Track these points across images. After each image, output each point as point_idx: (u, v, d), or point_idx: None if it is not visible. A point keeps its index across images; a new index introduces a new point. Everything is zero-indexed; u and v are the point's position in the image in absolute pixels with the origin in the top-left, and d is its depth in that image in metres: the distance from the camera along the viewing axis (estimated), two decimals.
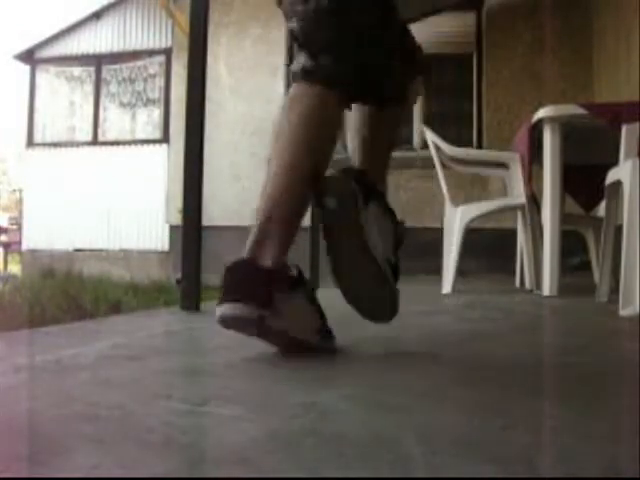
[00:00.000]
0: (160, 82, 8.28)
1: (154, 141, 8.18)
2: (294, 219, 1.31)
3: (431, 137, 3.44)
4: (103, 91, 8.56)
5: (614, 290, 2.30)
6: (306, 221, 4.02)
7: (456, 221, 3.18)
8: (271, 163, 1.40)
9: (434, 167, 3.46)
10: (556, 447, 0.64)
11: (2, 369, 1.00)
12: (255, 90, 6.74)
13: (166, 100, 7.94)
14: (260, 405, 0.80)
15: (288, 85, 7.07)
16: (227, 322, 1.12)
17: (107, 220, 8.13)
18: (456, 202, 3.37)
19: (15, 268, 11.58)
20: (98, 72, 8.55)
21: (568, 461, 0.59)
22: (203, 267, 2.02)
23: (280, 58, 6.51)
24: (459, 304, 2.58)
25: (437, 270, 3.47)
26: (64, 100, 8.73)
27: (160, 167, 7.83)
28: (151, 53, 8.35)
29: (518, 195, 3.25)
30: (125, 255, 7.96)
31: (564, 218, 2.91)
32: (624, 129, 2.34)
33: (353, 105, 1.48)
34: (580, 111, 2.75)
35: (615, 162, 2.33)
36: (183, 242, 1.99)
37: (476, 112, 6.50)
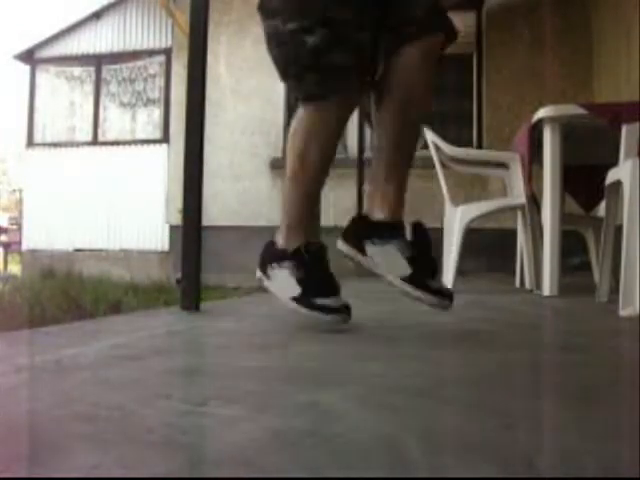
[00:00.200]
0: (160, 82, 8.28)
1: (154, 141, 8.18)
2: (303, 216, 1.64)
3: (431, 137, 3.44)
4: (103, 91, 8.56)
5: (614, 290, 2.30)
6: None
7: (456, 221, 3.18)
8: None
9: (434, 167, 3.47)
10: (556, 447, 0.64)
11: (2, 369, 1.00)
12: (255, 90, 6.74)
13: (166, 100, 7.94)
14: (260, 405, 0.80)
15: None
16: None
17: (107, 220, 8.13)
18: (456, 202, 3.37)
19: (15, 268, 11.58)
20: (98, 72, 8.55)
21: (568, 461, 0.59)
22: (203, 267, 2.02)
23: None
24: (459, 304, 2.58)
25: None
26: (64, 100, 8.73)
27: (160, 167, 7.83)
28: (151, 53, 8.35)
29: (518, 195, 3.25)
30: (125, 255, 7.96)
31: (564, 218, 2.91)
32: (624, 129, 2.34)
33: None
34: (580, 111, 2.75)
35: (615, 162, 2.33)
36: (183, 242, 1.99)
37: (476, 112, 6.50)
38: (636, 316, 1.92)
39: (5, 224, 14.70)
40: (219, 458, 0.59)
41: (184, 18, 6.32)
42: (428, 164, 3.62)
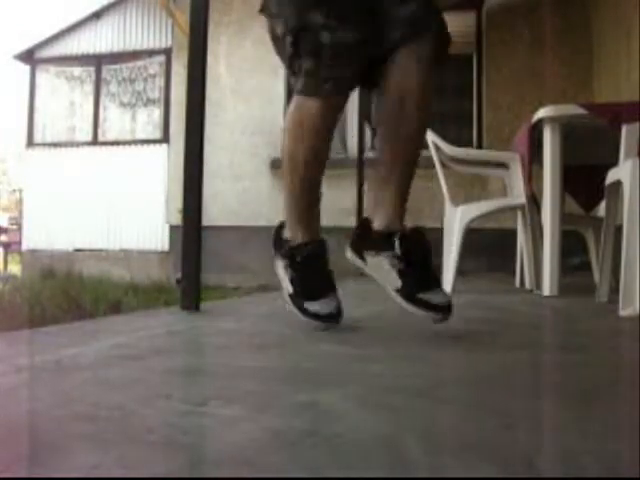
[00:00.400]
0: (160, 82, 8.28)
1: (154, 141, 8.18)
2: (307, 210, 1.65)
3: (431, 137, 3.44)
4: (103, 91, 8.56)
5: (614, 290, 2.30)
6: None
7: (456, 221, 3.18)
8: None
9: (434, 167, 3.46)
10: (556, 447, 0.64)
11: (2, 369, 1.00)
12: (255, 90, 6.74)
13: (166, 100, 7.94)
14: (260, 405, 0.80)
15: (289, 83, 7.07)
16: None
17: (107, 220, 8.13)
18: (456, 202, 3.36)
19: (15, 268, 11.58)
20: (98, 72, 8.55)
21: (568, 461, 0.59)
22: (203, 267, 2.02)
23: None
24: (459, 304, 2.57)
25: (437, 270, 3.47)
26: (64, 100, 8.73)
27: (160, 167, 7.83)
28: (151, 53, 8.35)
29: (518, 195, 3.25)
30: (125, 255, 7.96)
31: (564, 218, 2.91)
32: (624, 129, 2.34)
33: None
34: (580, 111, 2.75)
35: (615, 162, 2.33)
36: (183, 242, 1.99)
37: (476, 112, 6.50)
38: (636, 316, 1.92)
39: (5, 224, 14.70)
40: (219, 458, 0.59)
41: (184, 18, 6.31)
42: (428, 164, 3.61)
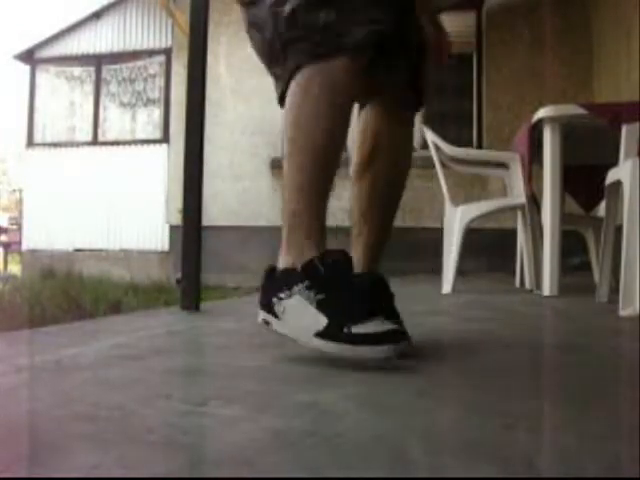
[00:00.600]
0: (160, 82, 8.28)
1: (154, 141, 8.18)
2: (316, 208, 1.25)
3: (431, 137, 3.44)
4: (103, 91, 8.56)
5: (614, 290, 2.30)
6: None
7: (456, 221, 3.18)
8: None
9: (434, 167, 3.47)
10: (556, 447, 0.64)
11: (2, 369, 1.00)
12: (255, 90, 6.74)
13: (166, 100, 7.94)
14: (260, 405, 0.80)
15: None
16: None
17: (107, 220, 8.13)
18: (456, 202, 3.37)
19: (15, 268, 11.58)
20: (98, 72, 8.55)
21: (568, 461, 0.59)
22: (203, 267, 2.02)
23: None
24: (459, 304, 2.58)
25: (437, 270, 3.48)
26: (64, 100, 8.73)
27: (160, 167, 7.83)
28: (151, 53, 8.35)
29: (518, 195, 3.25)
30: (125, 255, 7.96)
31: (564, 218, 2.91)
32: (624, 129, 2.34)
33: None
34: (580, 111, 2.75)
35: (615, 162, 2.33)
36: (183, 242, 1.99)
37: (476, 112, 6.50)
38: (636, 316, 1.92)
39: (5, 224, 14.70)
40: (219, 458, 0.59)
41: (184, 18, 6.32)
42: (428, 164, 3.62)
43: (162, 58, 8.21)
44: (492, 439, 0.66)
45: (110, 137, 8.50)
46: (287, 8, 1.24)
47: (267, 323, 1.18)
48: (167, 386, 0.93)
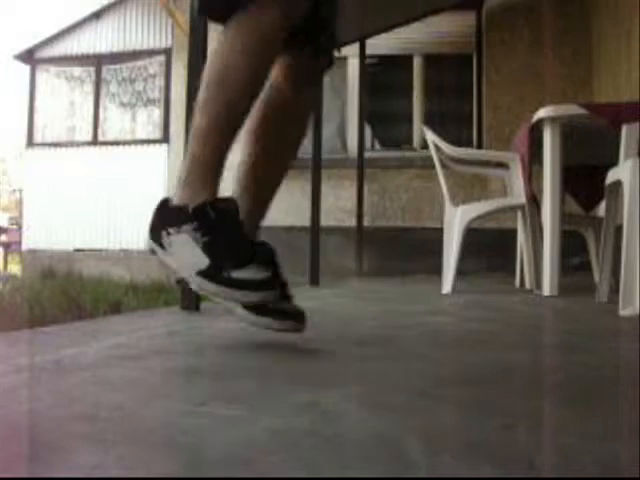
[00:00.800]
0: (160, 82, 8.28)
1: (154, 141, 8.18)
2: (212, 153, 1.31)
3: (431, 137, 3.44)
4: (103, 91, 8.56)
5: (614, 290, 2.30)
6: (306, 221, 4.00)
7: (456, 221, 3.18)
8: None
9: (434, 167, 3.47)
10: (556, 447, 0.64)
11: (2, 369, 1.00)
12: None
13: (166, 100, 7.94)
14: (260, 405, 0.80)
15: None
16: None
17: (107, 220, 8.13)
18: (456, 202, 3.37)
19: (15, 268, 11.58)
20: (98, 72, 8.56)
21: (568, 461, 0.59)
22: None
23: None
24: (459, 304, 2.58)
25: (437, 270, 3.48)
26: (64, 100, 8.73)
27: (160, 167, 7.83)
28: (151, 53, 8.35)
29: (518, 195, 3.25)
30: (125, 255, 7.96)
31: (564, 218, 2.91)
32: (624, 129, 2.34)
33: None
34: (580, 111, 2.75)
35: (615, 162, 2.34)
36: None
37: (476, 112, 6.50)
38: (636, 316, 1.92)
39: (5, 224, 14.71)
40: (219, 458, 0.59)
41: (184, 18, 6.31)
42: (428, 164, 3.62)
43: (162, 58, 8.21)
44: (492, 439, 0.66)
45: (110, 137, 8.50)
46: None
47: (153, 252, 1.26)
48: (167, 386, 0.93)
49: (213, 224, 1.19)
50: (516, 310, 2.36)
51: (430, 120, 6.25)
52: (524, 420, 0.75)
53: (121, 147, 8.37)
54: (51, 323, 1.81)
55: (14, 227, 13.70)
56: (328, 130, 5.69)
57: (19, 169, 23.24)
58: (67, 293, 3.84)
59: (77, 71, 8.69)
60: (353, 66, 6.60)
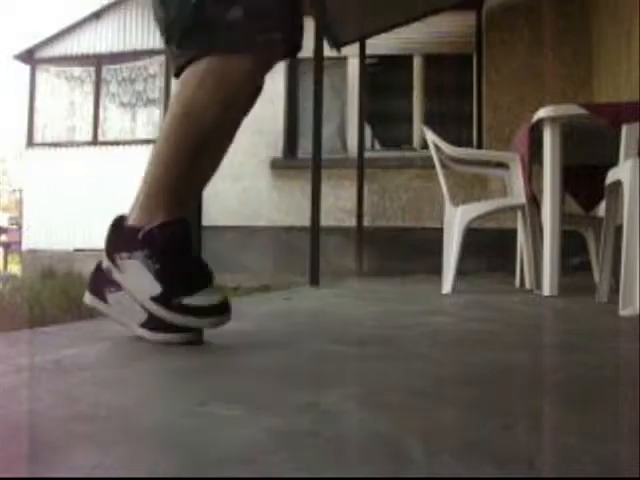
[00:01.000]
0: (160, 82, 8.28)
1: (154, 141, 8.18)
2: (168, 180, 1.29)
3: (431, 137, 3.45)
4: (103, 91, 8.56)
5: (614, 290, 2.30)
6: (306, 221, 4.00)
7: (456, 221, 3.18)
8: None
9: (434, 167, 3.47)
10: (556, 447, 0.64)
11: (2, 369, 1.00)
12: None
13: (166, 100, 7.95)
14: (260, 405, 0.80)
15: (289, 83, 7.09)
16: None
17: (107, 220, 8.12)
18: (456, 202, 3.37)
19: (15, 268, 11.58)
20: (98, 72, 8.56)
21: (568, 461, 0.59)
22: None
23: None
24: (459, 304, 2.58)
25: (437, 270, 3.48)
26: (64, 100, 8.73)
27: None
28: (151, 53, 8.35)
29: (518, 195, 3.25)
30: None
31: (564, 218, 2.91)
32: (624, 129, 2.34)
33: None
34: (580, 111, 2.76)
35: (615, 162, 2.34)
36: None
37: (476, 112, 6.50)
38: (636, 316, 1.92)
39: (5, 224, 14.71)
40: (219, 458, 0.59)
41: None
42: (428, 164, 3.62)
43: (162, 58, 8.21)
44: (492, 439, 0.66)
45: (110, 137, 8.51)
46: None
47: (108, 271, 1.29)
48: (167, 386, 0.93)
49: (163, 250, 1.23)
50: (516, 310, 2.36)
51: (430, 120, 6.25)
52: (524, 420, 0.75)
53: (121, 147, 8.38)
54: (51, 323, 1.80)
55: (14, 227, 13.71)
56: (328, 130, 5.70)
57: (19, 169, 23.25)
58: (67, 293, 3.83)
59: (77, 71, 8.69)
60: (353, 66, 6.60)
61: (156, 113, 8.33)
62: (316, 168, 3.70)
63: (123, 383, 0.92)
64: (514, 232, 3.72)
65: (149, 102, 8.40)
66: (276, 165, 6.70)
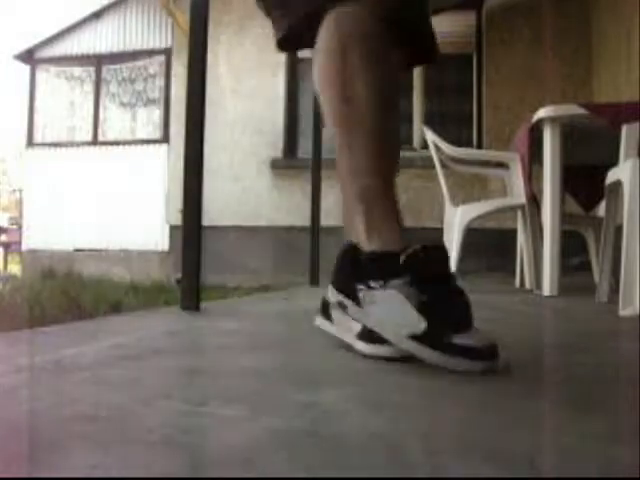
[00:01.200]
0: (160, 82, 8.28)
1: (154, 141, 8.19)
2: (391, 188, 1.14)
3: (431, 137, 3.45)
4: (103, 91, 8.57)
5: (614, 290, 2.30)
6: (306, 221, 4.01)
7: (456, 221, 3.18)
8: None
9: (434, 167, 3.47)
10: (556, 447, 0.64)
11: (2, 369, 1.00)
12: (256, 89, 6.74)
13: (166, 100, 7.95)
14: (260, 405, 0.80)
15: (289, 83, 7.08)
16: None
17: (107, 220, 8.13)
18: (456, 202, 3.37)
19: (15, 268, 11.58)
20: (98, 72, 8.56)
21: (568, 461, 0.59)
22: (203, 267, 2.02)
23: (281, 56, 6.51)
24: None
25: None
26: (64, 100, 8.73)
27: (160, 167, 7.83)
28: (151, 53, 8.35)
29: (518, 195, 3.25)
30: (125, 255, 7.96)
31: (564, 218, 2.91)
32: (624, 129, 2.34)
33: None
34: (580, 111, 2.76)
35: (615, 162, 2.34)
36: (183, 242, 1.99)
37: (476, 112, 6.50)
38: (636, 316, 1.92)
39: (5, 224, 14.71)
40: (219, 458, 0.59)
41: (184, 18, 6.32)
42: (428, 164, 3.62)
43: (162, 58, 8.22)
44: (492, 439, 0.66)
45: (110, 137, 8.51)
46: None
47: (343, 306, 1.10)
48: (167, 386, 0.93)
49: (430, 278, 1.01)
50: (516, 310, 2.36)
51: (430, 120, 6.25)
52: (524, 420, 0.75)
53: (121, 147, 8.38)
54: (51, 323, 1.80)
55: (14, 227, 13.71)
56: (328, 130, 5.69)
57: (19, 169, 23.25)
58: (67, 293, 3.84)
59: (77, 71, 8.70)
60: None
61: (156, 113, 8.33)
62: (316, 168, 3.70)
63: (123, 383, 0.92)
64: (514, 232, 3.72)
65: (149, 102, 8.40)
66: (276, 165, 6.70)
